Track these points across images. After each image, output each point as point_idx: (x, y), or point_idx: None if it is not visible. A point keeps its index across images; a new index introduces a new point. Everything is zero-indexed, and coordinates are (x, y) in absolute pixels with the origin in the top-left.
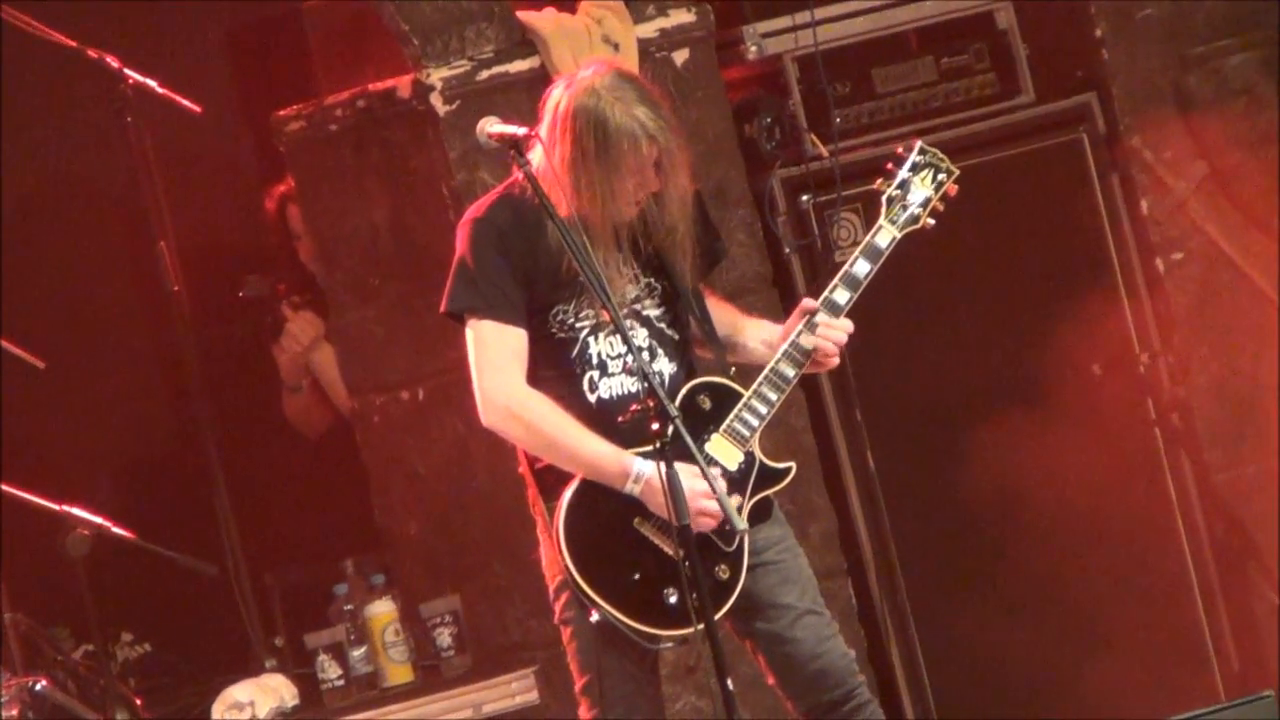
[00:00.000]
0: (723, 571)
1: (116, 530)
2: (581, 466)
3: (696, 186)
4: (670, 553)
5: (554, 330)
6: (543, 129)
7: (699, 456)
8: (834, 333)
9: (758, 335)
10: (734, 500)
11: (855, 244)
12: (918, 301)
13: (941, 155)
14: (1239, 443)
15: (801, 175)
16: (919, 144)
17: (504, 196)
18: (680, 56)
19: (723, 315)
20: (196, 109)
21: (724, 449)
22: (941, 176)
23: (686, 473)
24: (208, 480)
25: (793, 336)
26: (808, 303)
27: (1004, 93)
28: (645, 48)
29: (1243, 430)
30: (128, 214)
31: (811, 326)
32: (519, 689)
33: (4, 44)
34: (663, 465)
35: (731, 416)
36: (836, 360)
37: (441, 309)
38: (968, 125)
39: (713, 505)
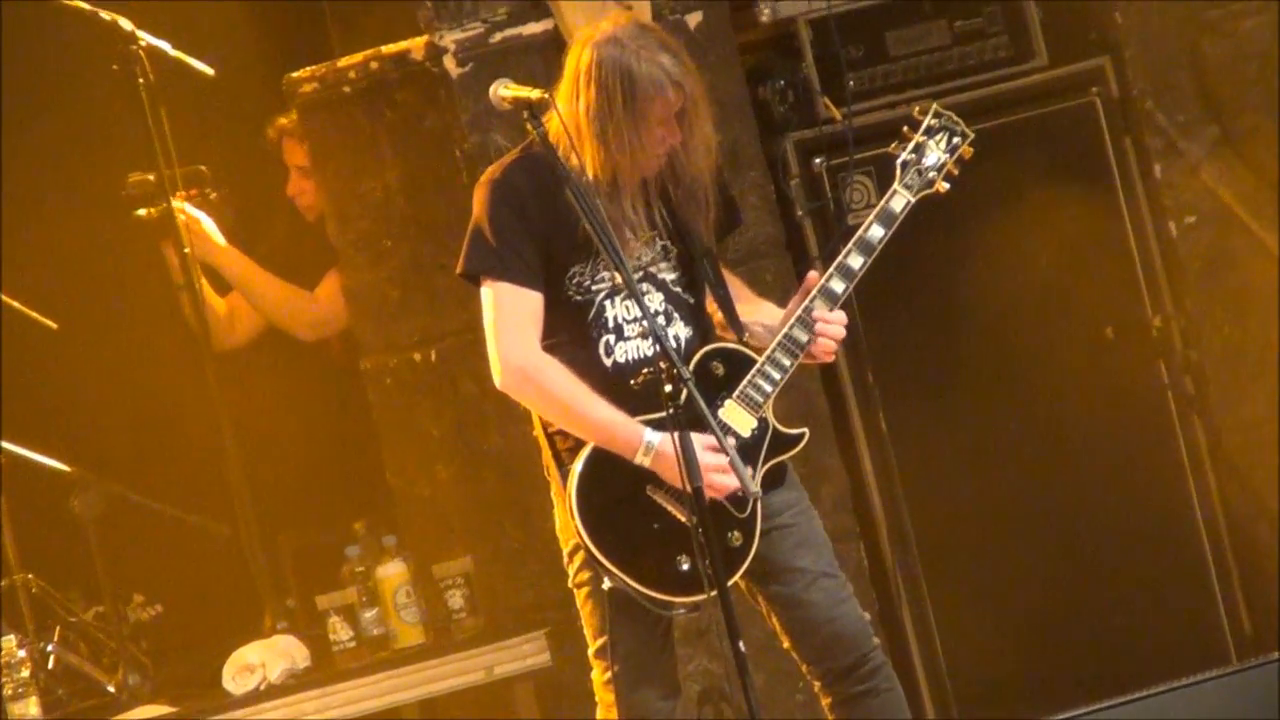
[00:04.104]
0: (735, 538)
1: (128, 492)
2: (593, 434)
3: (720, 137)
4: (683, 519)
5: (570, 293)
6: (563, 84)
7: (711, 420)
8: (830, 329)
9: (758, 318)
10: (746, 467)
11: (868, 207)
12: (931, 265)
13: (956, 119)
14: (1251, 406)
15: (815, 138)
16: (934, 107)
17: (522, 158)
18: (694, 19)
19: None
20: (209, 71)
21: (737, 415)
22: (956, 140)
23: (699, 442)
24: (219, 441)
25: (806, 302)
26: (814, 276)
27: (1017, 56)
28: (659, 10)
29: (1255, 393)
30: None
31: (826, 292)
32: (531, 651)
33: (17, 7)
34: (675, 430)
35: (745, 383)
36: (832, 356)
37: (458, 270)
38: (981, 88)
39: (724, 478)
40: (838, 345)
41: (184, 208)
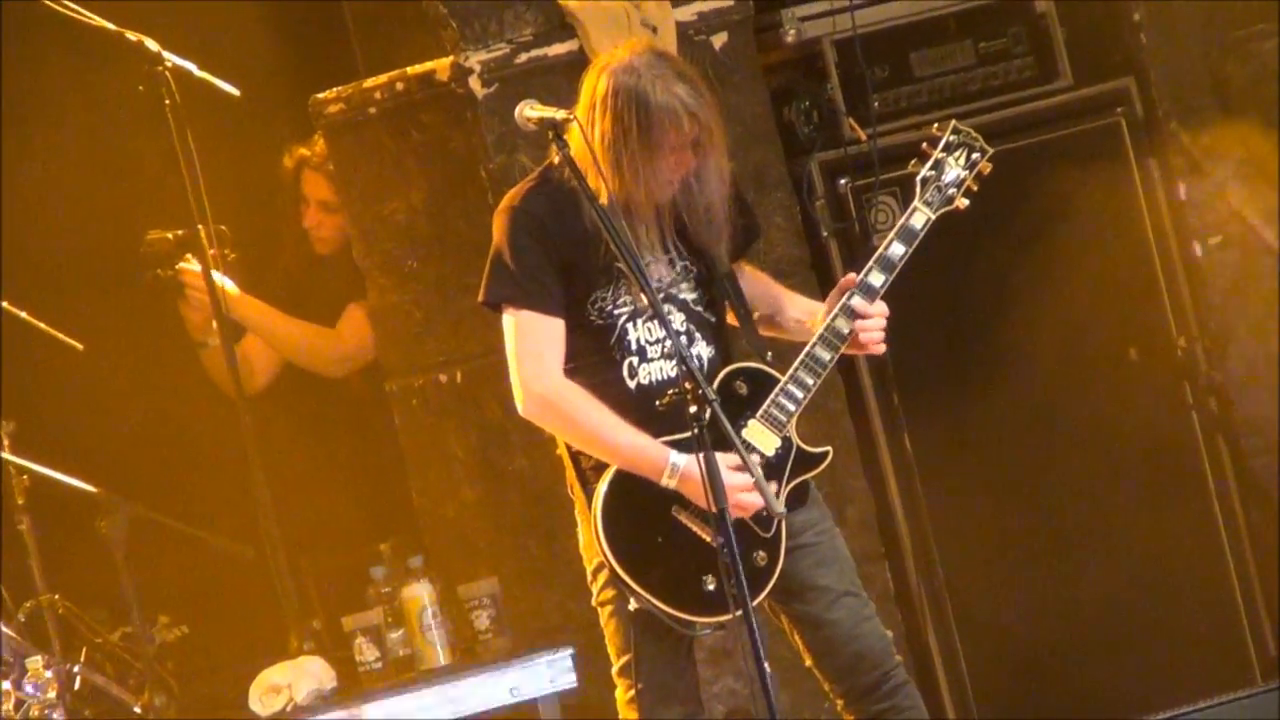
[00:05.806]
0: (760, 558)
1: (154, 513)
2: (618, 459)
3: (733, 164)
4: (708, 540)
5: (593, 317)
6: (580, 110)
7: (736, 440)
8: (870, 324)
9: (796, 311)
10: (771, 486)
11: (893, 228)
12: (956, 285)
13: (975, 134)
14: (1276, 428)
15: (839, 159)
16: (953, 124)
17: (540, 183)
18: (719, 40)
19: (759, 288)
20: (235, 92)
21: (761, 434)
22: (975, 156)
23: (724, 462)
24: (244, 462)
25: (828, 320)
26: (847, 279)
27: (1042, 76)
28: (684, 31)
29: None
30: (167, 197)
31: (847, 310)
32: (557, 671)
33: (44, 29)
34: (700, 451)
35: (768, 402)
36: (883, 347)
37: (479, 299)
38: (1005, 109)
39: (750, 497)
40: (883, 334)
41: (192, 268)
